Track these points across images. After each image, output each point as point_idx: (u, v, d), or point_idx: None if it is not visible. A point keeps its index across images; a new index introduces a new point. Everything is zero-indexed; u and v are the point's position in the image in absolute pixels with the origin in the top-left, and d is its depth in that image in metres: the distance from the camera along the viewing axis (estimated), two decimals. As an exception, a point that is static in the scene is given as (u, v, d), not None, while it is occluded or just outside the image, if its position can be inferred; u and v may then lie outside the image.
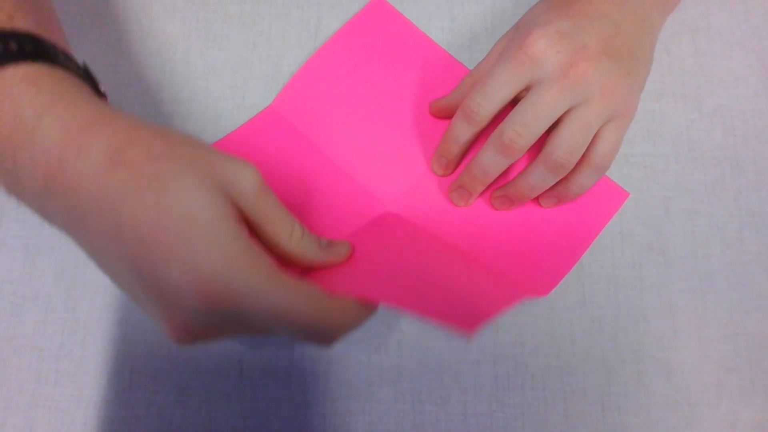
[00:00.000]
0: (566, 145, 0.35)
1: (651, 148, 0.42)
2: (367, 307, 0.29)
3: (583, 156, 0.37)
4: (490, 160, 0.37)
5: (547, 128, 0.36)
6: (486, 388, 0.38)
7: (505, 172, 0.38)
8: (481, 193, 0.40)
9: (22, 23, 0.29)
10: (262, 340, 0.39)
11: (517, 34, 0.37)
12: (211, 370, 0.39)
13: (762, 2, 0.45)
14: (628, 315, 0.39)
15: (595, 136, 0.36)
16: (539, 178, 0.37)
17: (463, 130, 0.38)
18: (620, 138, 0.37)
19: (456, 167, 0.41)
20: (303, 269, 0.33)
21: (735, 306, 0.39)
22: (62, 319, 0.40)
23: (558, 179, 0.37)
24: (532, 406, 0.38)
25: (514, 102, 0.36)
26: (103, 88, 0.32)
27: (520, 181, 0.38)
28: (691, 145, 0.42)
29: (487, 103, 0.36)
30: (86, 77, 0.31)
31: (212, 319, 0.27)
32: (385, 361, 0.39)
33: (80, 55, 0.44)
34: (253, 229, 0.29)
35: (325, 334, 0.28)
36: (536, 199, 0.40)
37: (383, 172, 0.41)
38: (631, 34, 0.37)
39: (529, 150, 0.36)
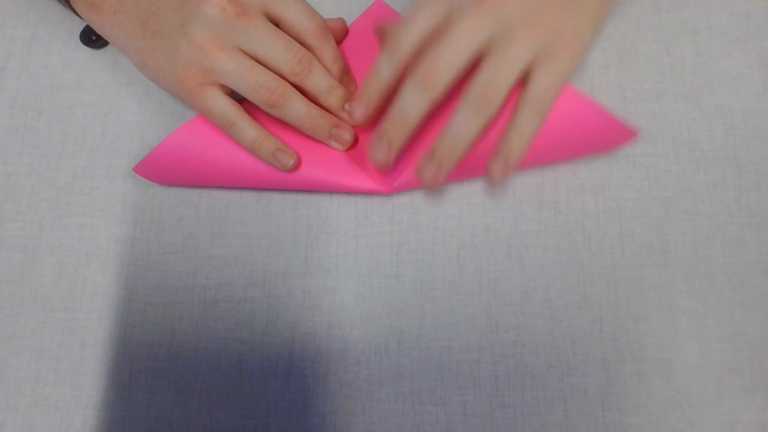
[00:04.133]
0: (484, 80, 0.34)
1: (651, 148, 0.42)
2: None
3: (520, 96, 0.35)
4: (407, 98, 0.35)
5: (466, 61, 0.34)
6: (486, 388, 0.38)
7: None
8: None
9: None
10: (262, 340, 0.39)
11: None
12: (211, 370, 0.39)
13: (763, 2, 0.44)
14: (629, 315, 0.39)
15: (529, 74, 0.35)
16: (461, 120, 0.34)
17: (383, 67, 0.36)
18: (558, 78, 0.35)
19: (373, 110, 0.38)
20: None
21: (736, 306, 0.39)
22: (61, 319, 0.40)
23: (482, 120, 0.34)
24: (532, 406, 0.38)
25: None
26: None
27: (444, 131, 0.36)
28: (691, 145, 0.42)
29: (407, 35, 0.35)
30: None
31: None
32: (385, 361, 0.39)
33: (80, 54, 0.45)
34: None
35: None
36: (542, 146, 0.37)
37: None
38: None
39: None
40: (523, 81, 0.36)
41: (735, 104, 0.43)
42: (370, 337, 0.39)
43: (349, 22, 0.44)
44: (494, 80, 0.34)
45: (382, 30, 0.41)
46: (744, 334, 0.39)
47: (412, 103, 0.35)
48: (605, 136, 0.38)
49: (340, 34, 0.42)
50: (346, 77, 0.41)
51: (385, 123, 0.36)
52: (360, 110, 0.38)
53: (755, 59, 0.43)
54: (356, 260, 0.40)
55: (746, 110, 0.42)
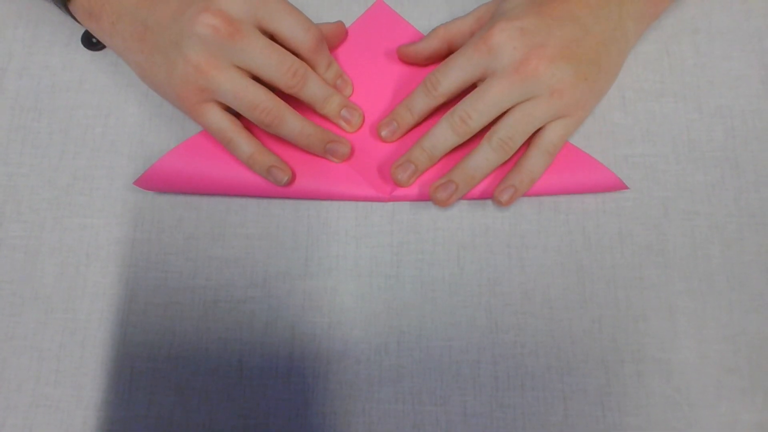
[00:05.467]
0: (507, 129, 0.38)
1: (651, 148, 0.42)
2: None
3: (532, 140, 0.39)
4: (440, 134, 0.38)
5: (496, 115, 0.38)
6: (486, 388, 0.38)
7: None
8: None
9: None
10: (262, 340, 0.39)
11: (490, 20, 0.39)
12: (211, 370, 0.39)
13: (763, 2, 0.45)
14: (628, 315, 0.39)
15: (544, 126, 0.39)
16: (482, 156, 0.38)
17: (419, 100, 0.39)
18: (568, 133, 0.39)
19: (400, 136, 0.41)
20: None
21: (734, 306, 0.39)
22: (62, 319, 0.40)
23: (501, 160, 0.38)
24: (532, 407, 0.38)
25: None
26: None
27: (464, 161, 0.39)
28: (691, 146, 0.42)
29: (445, 80, 0.38)
30: None
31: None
32: (385, 361, 0.39)
33: (81, 54, 0.45)
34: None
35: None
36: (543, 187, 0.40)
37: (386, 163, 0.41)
38: (599, 40, 0.38)
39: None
40: (536, 130, 0.39)
41: (734, 105, 0.43)
42: (370, 337, 0.39)
43: (348, 23, 0.44)
44: (517, 128, 0.38)
45: (404, 49, 0.42)
46: (743, 335, 0.39)
47: (444, 140, 0.38)
48: (598, 182, 0.40)
49: (339, 38, 0.43)
50: (340, 80, 0.42)
51: (415, 150, 0.39)
52: (388, 130, 0.41)
53: (755, 60, 0.43)
54: (356, 261, 0.40)
55: (746, 111, 0.42)
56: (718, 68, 0.43)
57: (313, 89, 0.39)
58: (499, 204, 0.39)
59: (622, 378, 0.38)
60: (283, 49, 0.38)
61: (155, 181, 0.40)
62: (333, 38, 0.42)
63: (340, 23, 0.42)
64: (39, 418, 0.38)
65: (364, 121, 0.41)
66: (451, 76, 0.38)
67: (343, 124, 0.41)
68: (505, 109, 0.38)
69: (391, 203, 0.41)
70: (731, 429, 0.37)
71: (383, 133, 0.41)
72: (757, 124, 0.42)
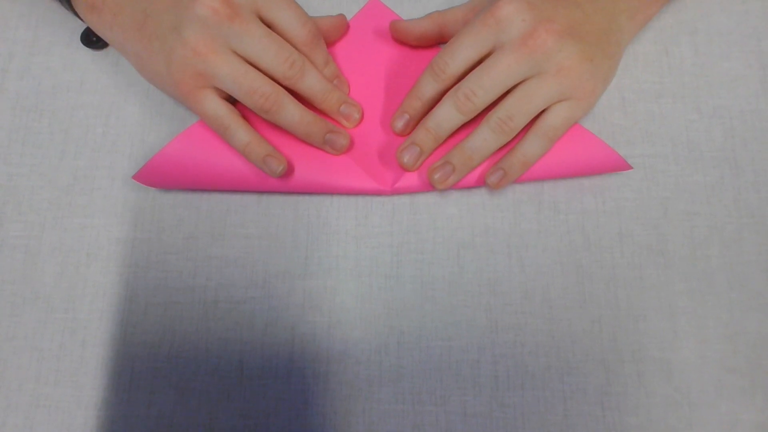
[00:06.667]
0: (507, 109, 0.37)
1: (650, 149, 0.42)
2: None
3: (531, 123, 0.38)
4: (444, 113, 0.38)
5: (502, 92, 0.37)
6: (486, 388, 0.38)
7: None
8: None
9: None
10: (262, 340, 0.39)
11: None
12: (211, 370, 0.39)
13: (761, 3, 0.45)
14: (628, 315, 0.39)
15: (546, 109, 0.38)
16: (481, 137, 0.38)
17: (428, 87, 0.38)
18: (572, 118, 0.38)
19: (414, 127, 0.40)
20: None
21: (734, 306, 0.39)
22: (62, 319, 0.40)
23: (500, 142, 0.38)
24: (532, 406, 0.38)
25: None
26: None
27: (462, 143, 0.38)
28: (690, 146, 0.42)
29: (453, 61, 0.37)
30: None
31: None
32: (385, 361, 0.39)
33: (82, 55, 0.45)
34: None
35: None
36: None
37: (386, 157, 0.41)
38: (599, 28, 0.38)
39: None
40: (539, 113, 0.38)
41: (733, 105, 0.43)
42: (370, 337, 0.39)
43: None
44: (519, 108, 0.37)
45: (396, 24, 0.42)
46: (743, 334, 0.39)
47: (448, 118, 0.38)
48: (601, 164, 0.40)
49: (340, 31, 0.43)
50: (337, 80, 0.42)
51: (419, 131, 0.39)
52: (401, 122, 0.40)
53: (754, 60, 0.44)
54: (356, 261, 0.40)
55: (744, 111, 0.43)
56: (717, 69, 0.44)
57: (311, 82, 0.39)
58: (488, 187, 0.39)
59: (622, 378, 0.38)
60: (282, 40, 0.38)
61: (155, 175, 0.40)
62: (334, 31, 0.42)
63: (341, 16, 0.42)
64: (39, 418, 0.38)
65: (362, 117, 0.41)
66: (459, 56, 0.37)
67: (342, 119, 0.41)
68: (510, 86, 0.37)
69: (391, 202, 0.41)
70: (731, 429, 0.37)
71: (397, 127, 0.40)
72: (756, 125, 0.42)
